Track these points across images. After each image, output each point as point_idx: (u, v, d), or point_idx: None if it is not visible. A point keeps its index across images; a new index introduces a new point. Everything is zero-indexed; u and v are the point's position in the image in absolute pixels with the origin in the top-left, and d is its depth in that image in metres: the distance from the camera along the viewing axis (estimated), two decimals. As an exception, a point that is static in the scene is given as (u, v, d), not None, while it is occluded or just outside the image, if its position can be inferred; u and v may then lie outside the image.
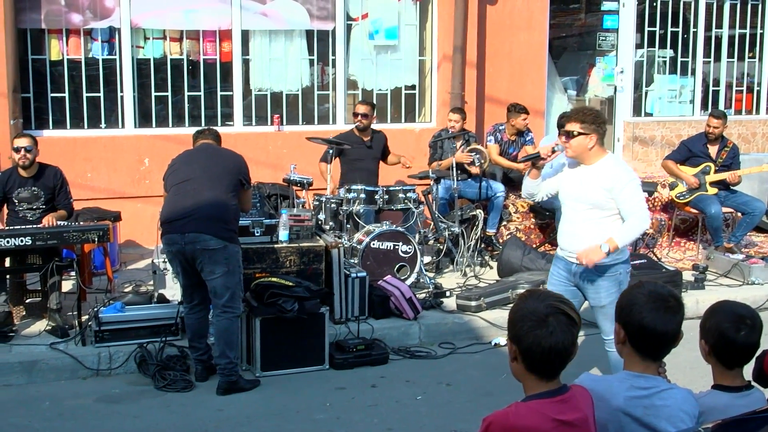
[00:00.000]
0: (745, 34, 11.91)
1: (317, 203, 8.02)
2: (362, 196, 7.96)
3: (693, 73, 11.73)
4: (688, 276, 8.17)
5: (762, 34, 12.00)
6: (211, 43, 9.41)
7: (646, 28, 11.37)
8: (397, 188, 8.20)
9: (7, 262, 6.75)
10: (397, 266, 7.61)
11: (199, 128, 6.60)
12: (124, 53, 9.07)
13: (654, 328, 2.74)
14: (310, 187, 8.09)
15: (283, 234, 6.74)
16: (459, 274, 8.29)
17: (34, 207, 6.96)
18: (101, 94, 9.12)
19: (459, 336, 6.94)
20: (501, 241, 9.03)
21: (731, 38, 11.83)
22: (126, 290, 7.48)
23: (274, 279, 6.20)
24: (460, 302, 7.29)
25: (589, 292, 5.13)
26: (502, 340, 6.71)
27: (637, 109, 11.56)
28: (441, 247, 8.49)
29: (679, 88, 11.75)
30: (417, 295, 7.21)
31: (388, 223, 7.77)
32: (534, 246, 8.93)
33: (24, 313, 6.93)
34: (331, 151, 8.31)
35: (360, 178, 8.39)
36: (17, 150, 6.88)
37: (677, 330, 2.78)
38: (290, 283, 6.12)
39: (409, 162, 8.91)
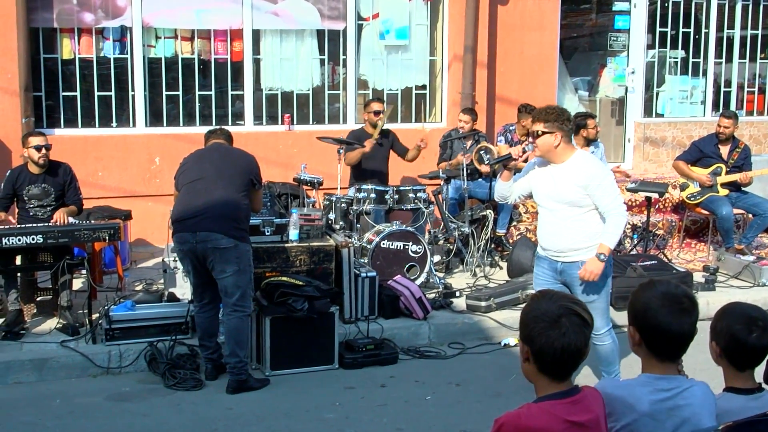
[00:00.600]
0: (757, 34, 11.86)
1: (327, 203, 8.03)
2: (372, 195, 7.96)
3: (704, 73, 11.69)
4: (698, 277, 8.14)
5: (774, 35, 11.96)
6: (222, 42, 9.43)
7: (658, 29, 11.34)
8: (407, 188, 8.20)
9: (18, 260, 6.79)
10: (406, 266, 7.61)
11: (211, 128, 6.61)
12: (136, 52, 9.09)
13: (669, 330, 2.73)
14: (321, 187, 8.09)
15: (293, 233, 6.75)
16: (469, 274, 8.29)
17: (45, 204, 6.98)
18: (112, 93, 9.14)
19: (468, 336, 6.93)
20: (511, 241, 9.02)
21: (743, 39, 11.79)
22: (136, 289, 7.51)
23: (284, 278, 6.21)
24: (469, 302, 7.28)
25: (576, 290, 5.18)
26: (512, 340, 6.70)
27: (648, 110, 11.53)
28: (451, 247, 8.49)
29: (690, 88, 11.70)
30: (427, 295, 7.20)
31: (398, 222, 7.77)
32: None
33: (35, 311, 6.96)
34: (341, 151, 8.30)
35: (370, 177, 8.40)
36: (38, 149, 6.86)
37: (693, 329, 2.77)
38: (300, 283, 6.12)
39: (425, 142, 8.82)
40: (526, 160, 5.65)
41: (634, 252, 8.95)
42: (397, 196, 8.07)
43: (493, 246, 8.82)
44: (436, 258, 8.23)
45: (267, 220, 6.75)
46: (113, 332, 6.22)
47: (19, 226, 6.59)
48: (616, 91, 11.54)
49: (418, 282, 7.51)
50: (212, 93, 9.48)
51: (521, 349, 2.59)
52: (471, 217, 8.49)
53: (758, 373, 3.07)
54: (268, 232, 6.71)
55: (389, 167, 8.92)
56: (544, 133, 5.04)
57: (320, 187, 8.09)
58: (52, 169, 7.02)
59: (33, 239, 6.32)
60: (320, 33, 9.79)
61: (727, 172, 9.01)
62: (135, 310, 6.39)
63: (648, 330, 2.77)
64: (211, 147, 6.19)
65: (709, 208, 9.02)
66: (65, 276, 6.54)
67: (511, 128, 9.54)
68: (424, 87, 10.31)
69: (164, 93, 9.31)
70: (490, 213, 8.50)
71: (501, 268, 8.55)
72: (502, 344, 6.80)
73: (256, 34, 9.54)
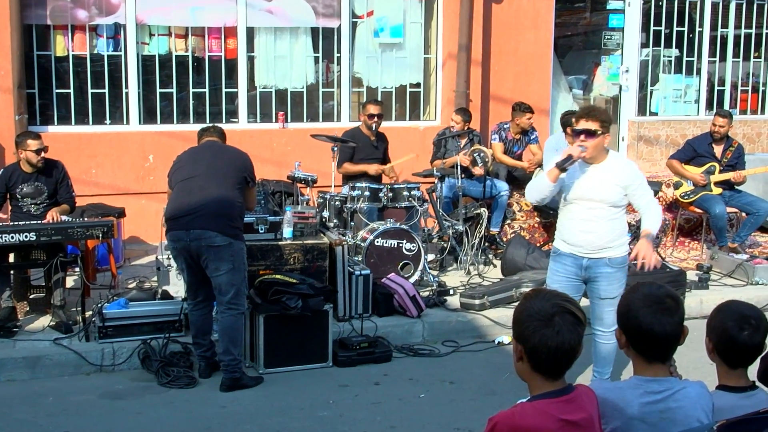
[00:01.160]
0: (751, 33, 11.88)
1: (321, 200, 8.03)
2: (366, 193, 7.96)
3: (698, 72, 11.71)
4: (692, 276, 8.15)
5: (768, 34, 11.99)
6: (216, 40, 9.41)
7: (652, 27, 11.35)
8: (401, 186, 8.19)
9: (12, 258, 6.77)
10: (400, 264, 7.61)
11: (204, 125, 6.60)
12: (129, 50, 9.06)
13: (652, 330, 2.71)
14: (315, 185, 8.08)
15: (287, 231, 6.75)
16: (463, 273, 8.29)
17: (38, 202, 6.97)
18: (106, 91, 9.12)
19: (462, 334, 6.94)
20: (505, 239, 9.03)
21: (737, 38, 11.81)
22: (130, 286, 7.46)
23: (278, 276, 6.21)
24: (463, 300, 7.29)
25: (601, 285, 5.21)
26: (506, 338, 6.71)
27: (642, 109, 11.55)
28: (445, 245, 8.49)
29: (684, 87, 11.73)
30: (420, 293, 7.21)
31: (392, 220, 7.77)
32: (538, 244, 8.92)
33: (28, 309, 6.94)
34: (335, 149, 8.29)
35: (365, 177, 8.40)
36: (37, 152, 6.84)
37: (677, 330, 2.74)
38: (294, 281, 6.12)
39: (396, 179, 8.89)
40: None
41: (627, 250, 8.95)
42: (391, 194, 8.06)
43: (487, 244, 8.82)
44: (430, 256, 8.23)
45: (261, 217, 6.75)
46: (107, 330, 6.21)
47: (12, 224, 6.58)
48: (610, 89, 11.56)
49: (412, 280, 7.51)
50: (206, 90, 9.47)
51: (514, 348, 2.58)
52: (465, 215, 8.49)
53: (753, 372, 3.08)
54: (262, 229, 6.71)
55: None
56: (600, 132, 5.01)
57: (314, 185, 8.08)
58: (45, 167, 7.00)
59: (26, 237, 6.30)
60: (314, 31, 9.78)
61: (721, 171, 9.03)
62: (128, 308, 6.37)
63: (631, 331, 2.77)
64: (204, 145, 6.19)
65: (703, 206, 9.03)
66: (58, 274, 6.53)
67: (505, 126, 9.55)
68: (418, 85, 10.31)
69: (158, 90, 9.29)
70: (484, 211, 8.51)
71: (495, 266, 8.56)
72: (496, 342, 6.81)
73: (251, 32, 9.52)
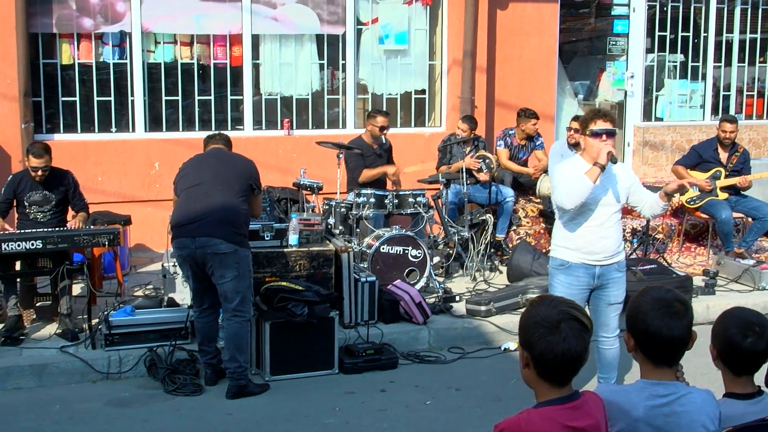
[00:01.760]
0: (756, 38, 11.87)
1: (327, 207, 8.03)
2: (372, 200, 7.95)
3: (704, 77, 11.69)
4: (698, 281, 8.14)
5: (773, 39, 11.98)
6: (222, 47, 9.44)
7: (657, 33, 11.35)
8: (406, 193, 8.18)
9: (18, 266, 6.78)
10: (406, 270, 7.60)
11: (210, 133, 6.60)
12: (135, 58, 9.10)
13: (660, 334, 2.71)
14: (320, 192, 8.08)
15: (292, 238, 6.75)
16: (468, 279, 8.28)
17: (45, 210, 6.99)
18: (112, 99, 9.15)
19: (468, 341, 6.93)
20: (510, 245, 9.02)
21: (742, 43, 11.80)
22: (136, 294, 7.50)
23: (283, 283, 6.21)
24: (469, 307, 7.28)
25: (612, 291, 5.23)
26: (512, 345, 6.70)
27: (648, 114, 11.53)
28: (450, 251, 8.48)
29: (689, 92, 11.71)
30: (426, 300, 7.20)
31: (397, 227, 7.77)
32: (544, 250, 8.89)
33: (34, 317, 6.96)
34: (340, 156, 8.29)
35: (369, 186, 8.39)
36: (34, 170, 6.87)
37: (685, 334, 2.74)
38: (300, 288, 6.12)
39: (399, 185, 8.82)
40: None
41: (634, 256, 8.93)
42: (396, 201, 8.06)
43: (492, 250, 8.81)
44: (435, 258, 8.21)
45: (266, 224, 6.76)
46: (113, 337, 6.22)
47: (18, 231, 6.59)
48: (615, 95, 11.55)
49: (418, 286, 7.51)
50: (212, 98, 9.49)
51: (521, 354, 2.57)
52: (470, 222, 8.49)
53: (759, 379, 3.06)
54: (267, 236, 6.71)
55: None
56: (615, 132, 5.07)
57: (320, 192, 8.08)
58: (54, 176, 7.03)
59: (32, 245, 6.31)
60: (319, 38, 9.80)
61: (726, 176, 9.01)
62: (134, 316, 6.38)
63: (640, 334, 2.77)
64: (210, 152, 6.19)
65: (709, 211, 9.01)
66: (65, 281, 6.56)
67: (510, 132, 9.55)
68: (423, 92, 10.32)
69: (164, 98, 9.32)
70: (489, 217, 8.50)
71: (501, 272, 8.55)
72: (502, 349, 6.80)
73: (256, 39, 9.54)
